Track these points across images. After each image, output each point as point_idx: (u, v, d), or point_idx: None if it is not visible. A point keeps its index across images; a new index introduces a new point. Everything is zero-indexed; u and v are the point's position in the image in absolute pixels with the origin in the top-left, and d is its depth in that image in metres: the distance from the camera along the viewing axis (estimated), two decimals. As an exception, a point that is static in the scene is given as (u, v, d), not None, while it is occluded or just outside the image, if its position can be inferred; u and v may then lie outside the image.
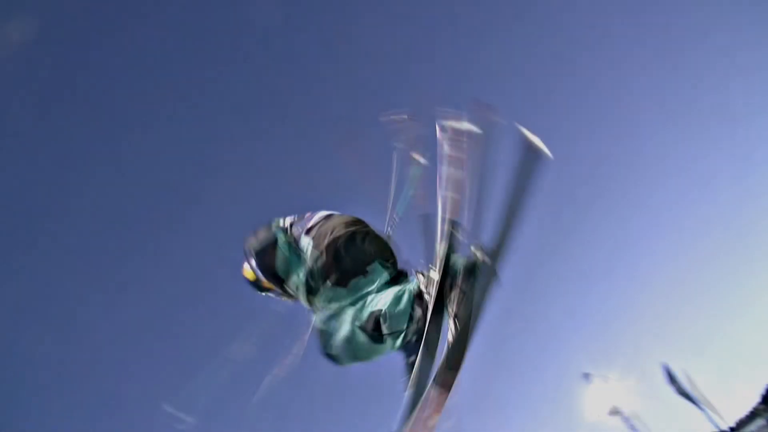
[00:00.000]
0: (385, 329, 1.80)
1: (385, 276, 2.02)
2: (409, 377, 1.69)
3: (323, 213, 2.21)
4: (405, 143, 2.34)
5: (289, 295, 2.24)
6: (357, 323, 1.86)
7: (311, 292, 2.01)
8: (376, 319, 1.83)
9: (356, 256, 2.03)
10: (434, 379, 1.53)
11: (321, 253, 2.01)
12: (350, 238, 2.05)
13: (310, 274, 2.00)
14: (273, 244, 2.15)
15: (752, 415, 12.51)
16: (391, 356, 1.96)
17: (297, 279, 2.05)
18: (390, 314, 1.81)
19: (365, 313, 1.87)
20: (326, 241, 2.03)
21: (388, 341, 1.83)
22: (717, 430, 11.83)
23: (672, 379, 12.33)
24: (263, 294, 2.38)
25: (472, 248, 1.69)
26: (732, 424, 12.14)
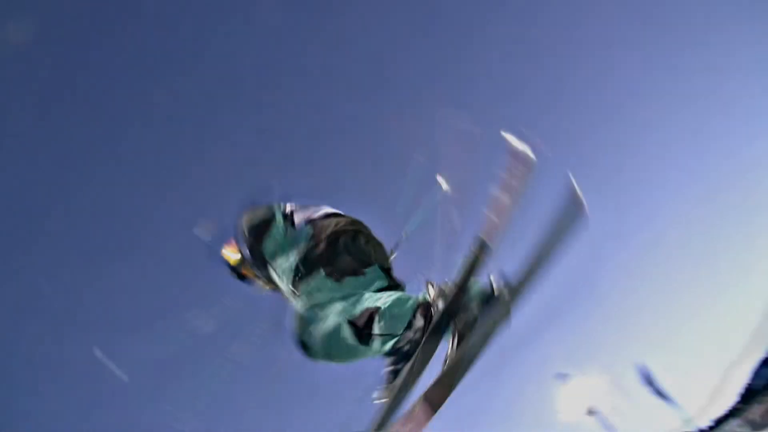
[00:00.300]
0: (378, 328, 1.70)
1: (381, 282, 1.97)
2: (386, 386, 1.65)
3: (329, 209, 2.16)
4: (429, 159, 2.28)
5: (269, 282, 2.17)
6: (346, 316, 1.77)
7: (299, 278, 1.93)
8: (371, 315, 1.72)
9: (356, 255, 1.98)
10: (423, 395, 1.49)
11: (319, 242, 1.96)
12: (353, 236, 2.02)
13: (303, 260, 1.93)
14: (267, 223, 2.08)
15: (730, 414, 12.80)
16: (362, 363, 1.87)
17: (286, 262, 1.97)
18: (389, 314, 1.70)
19: (358, 308, 1.77)
20: (328, 233, 1.98)
21: (374, 344, 1.72)
22: (696, 428, 12.09)
23: (648, 379, 12.52)
24: (240, 280, 2.31)
25: (492, 278, 1.61)
26: (710, 422, 12.44)
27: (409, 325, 1.66)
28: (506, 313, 1.53)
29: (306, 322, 1.84)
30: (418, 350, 1.59)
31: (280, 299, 2.14)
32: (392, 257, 2.13)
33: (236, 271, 2.29)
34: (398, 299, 1.75)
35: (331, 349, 1.78)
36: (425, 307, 1.69)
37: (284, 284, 1.97)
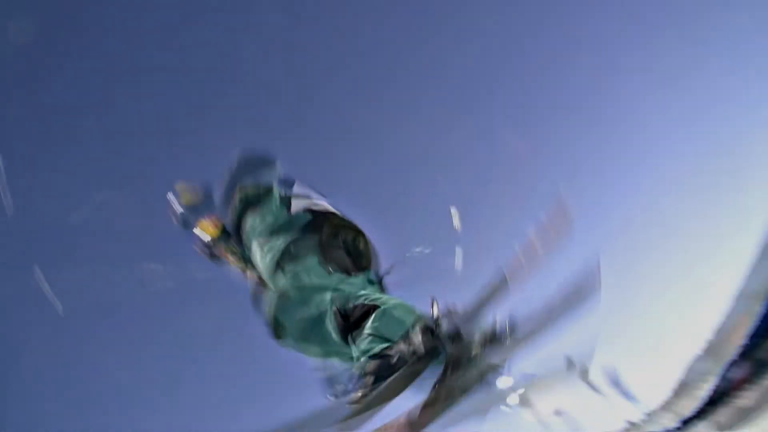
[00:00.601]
0: (371, 328, 1.57)
1: (372, 289, 1.87)
2: (357, 393, 1.50)
3: (331, 207, 2.06)
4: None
5: (244, 262, 2.10)
6: (336, 305, 1.68)
7: (288, 256, 1.82)
8: (367, 312, 1.61)
9: (354, 255, 1.93)
10: (406, 416, 1.42)
11: (318, 230, 1.88)
12: (354, 237, 1.97)
13: (296, 242, 1.84)
14: (261, 198, 2.02)
15: (698, 416, 13.24)
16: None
17: (273, 243, 1.87)
18: (390, 316, 1.59)
19: (354, 301, 1.67)
20: (330, 226, 1.93)
21: (361, 343, 1.57)
22: (663, 428, 12.52)
23: (613, 379, 12.83)
24: (210, 258, 2.23)
25: (502, 321, 1.53)
26: (677, 423, 12.87)
27: (406, 337, 1.52)
28: (503, 360, 1.46)
29: (286, 300, 1.73)
30: (404, 368, 1.45)
31: (248, 281, 2.08)
32: (388, 273, 2.03)
33: (209, 248, 2.21)
34: (402, 304, 1.65)
35: (309, 336, 1.68)
36: (428, 325, 1.55)
37: (266, 262, 1.85)
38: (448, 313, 1.57)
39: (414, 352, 1.48)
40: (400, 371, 1.46)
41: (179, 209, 2.24)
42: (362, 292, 1.73)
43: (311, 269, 1.78)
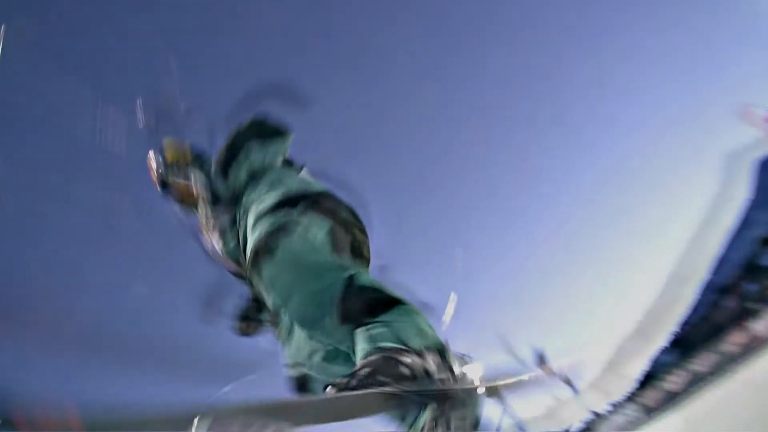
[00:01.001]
0: (389, 316, 1.37)
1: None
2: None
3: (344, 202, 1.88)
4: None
5: (216, 227, 1.86)
6: (351, 273, 1.49)
7: (286, 205, 1.65)
8: (373, 302, 1.41)
9: (357, 257, 1.73)
10: None
11: (335, 215, 1.67)
12: (363, 241, 1.77)
13: (303, 221, 1.59)
14: (269, 167, 1.86)
15: (628, 400, 14.18)
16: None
17: (273, 193, 1.69)
18: (415, 318, 1.40)
19: (372, 283, 1.48)
20: (342, 219, 1.70)
21: (368, 331, 1.34)
22: (591, 412, 13.26)
23: (542, 361, 13.59)
24: (160, 185, 1.97)
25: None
26: (608, 407, 13.75)
27: (421, 353, 1.28)
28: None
29: (284, 230, 1.55)
30: (401, 381, 1.19)
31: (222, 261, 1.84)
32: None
33: (163, 175, 1.97)
34: (424, 317, 1.44)
35: (311, 328, 1.49)
36: (444, 353, 1.35)
37: (263, 232, 1.59)
38: (462, 360, 1.45)
39: (424, 369, 1.25)
40: (394, 380, 1.18)
41: (160, 167, 1.97)
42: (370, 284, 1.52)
43: (319, 256, 1.57)
